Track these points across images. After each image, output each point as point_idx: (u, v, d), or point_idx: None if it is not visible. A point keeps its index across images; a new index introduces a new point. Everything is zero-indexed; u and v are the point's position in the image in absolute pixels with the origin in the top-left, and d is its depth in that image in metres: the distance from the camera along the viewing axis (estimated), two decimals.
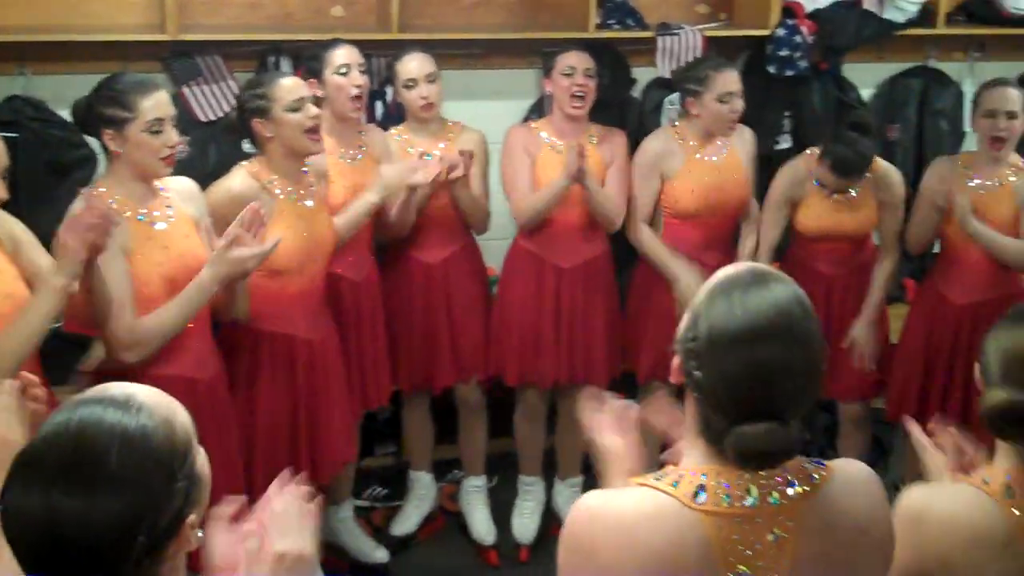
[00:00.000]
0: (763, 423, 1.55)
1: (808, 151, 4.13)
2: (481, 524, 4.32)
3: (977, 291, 3.96)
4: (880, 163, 4.07)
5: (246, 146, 4.00)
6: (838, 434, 4.44)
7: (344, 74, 3.72)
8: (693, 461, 1.66)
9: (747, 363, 1.57)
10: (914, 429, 2.25)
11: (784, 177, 4.11)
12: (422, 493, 4.37)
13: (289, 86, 3.33)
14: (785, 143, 4.93)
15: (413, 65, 3.92)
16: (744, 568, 1.60)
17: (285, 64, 4.27)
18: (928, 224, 4.07)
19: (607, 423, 1.98)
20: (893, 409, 4.19)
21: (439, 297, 4.08)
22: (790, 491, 1.62)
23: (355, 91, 3.73)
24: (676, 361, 1.67)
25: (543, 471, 4.40)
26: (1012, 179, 3.93)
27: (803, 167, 4.08)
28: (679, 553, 1.58)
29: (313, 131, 3.35)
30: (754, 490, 1.61)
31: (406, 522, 4.33)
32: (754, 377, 1.57)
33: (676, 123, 4.16)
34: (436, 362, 4.11)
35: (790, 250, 4.23)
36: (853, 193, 4.01)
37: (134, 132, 2.90)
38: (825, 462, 1.70)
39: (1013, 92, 3.89)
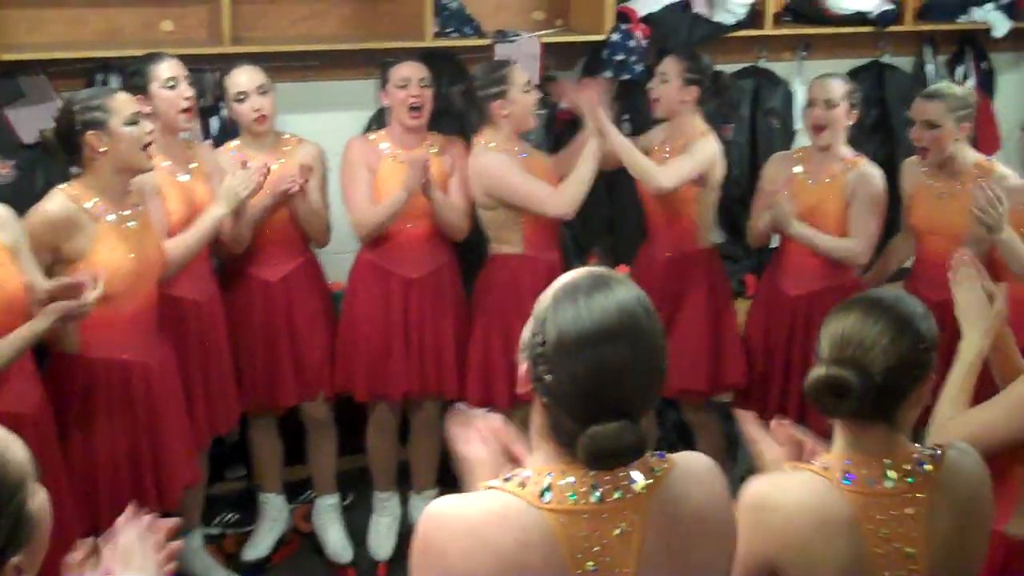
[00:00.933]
0: (613, 422, 1.59)
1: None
2: (336, 543, 4.27)
3: (810, 283, 4.08)
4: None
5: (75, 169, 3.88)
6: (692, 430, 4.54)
7: (172, 87, 3.64)
8: (539, 462, 1.69)
9: (595, 364, 1.60)
10: (747, 424, 2.31)
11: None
12: (274, 516, 4.29)
13: (126, 99, 3.27)
14: None
15: (243, 78, 3.85)
16: (592, 564, 1.64)
17: (114, 81, 4.13)
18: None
19: (471, 435, 1.97)
20: (738, 401, 4.31)
21: (280, 315, 4.02)
22: (634, 486, 1.67)
23: (184, 104, 3.65)
24: (523, 368, 1.69)
25: (398, 485, 4.38)
26: (843, 173, 4.04)
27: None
28: (527, 552, 1.61)
29: (147, 147, 3.28)
30: (599, 486, 1.65)
31: (259, 546, 4.25)
32: (603, 377, 1.61)
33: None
34: (278, 381, 4.04)
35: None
36: None
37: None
38: (666, 455, 1.74)
39: (834, 82, 4.02)
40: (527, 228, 4.04)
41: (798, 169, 4.12)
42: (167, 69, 3.65)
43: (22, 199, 3.50)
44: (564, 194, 3.92)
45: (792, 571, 1.93)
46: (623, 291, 1.66)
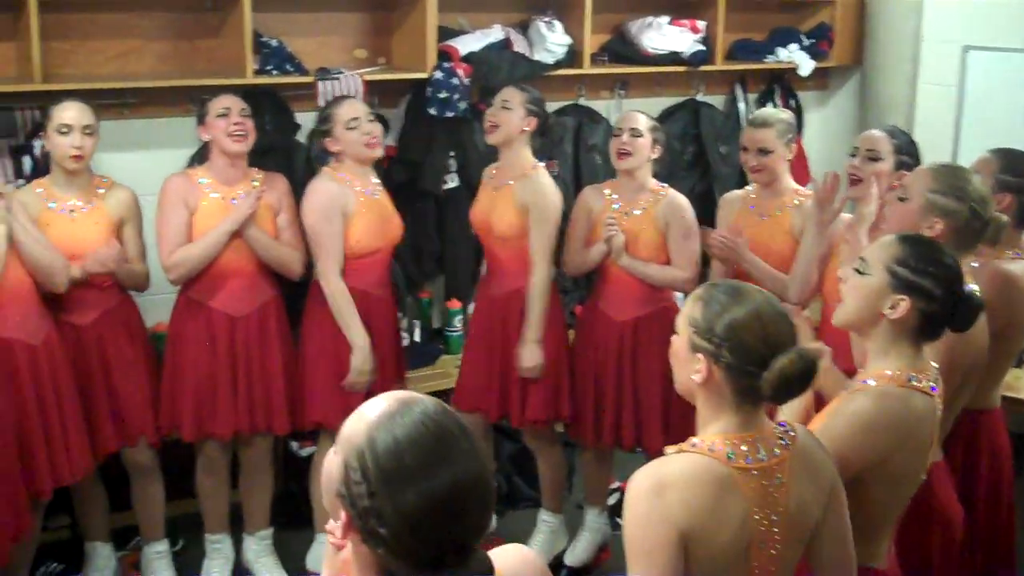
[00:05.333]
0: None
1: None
2: None
3: (633, 308, 4.19)
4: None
5: None
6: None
7: None
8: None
9: (441, 532, 1.54)
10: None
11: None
12: (101, 564, 4.13)
13: None
14: (453, 182, 5.06)
15: (71, 112, 3.75)
16: None
17: None
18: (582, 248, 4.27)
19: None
20: (571, 428, 4.38)
21: (93, 359, 3.89)
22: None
23: None
24: (344, 518, 1.56)
25: (230, 527, 4.26)
26: (654, 204, 4.16)
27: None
28: None
29: None
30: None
31: None
32: (443, 506, 1.53)
33: (331, 165, 4.11)
34: (96, 428, 3.90)
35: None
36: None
37: None
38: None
39: (638, 114, 4.18)
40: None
41: (610, 198, 4.22)
42: None
43: None
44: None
45: (703, 537, 2.04)
46: (421, 407, 1.60)
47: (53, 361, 3.70)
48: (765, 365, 2.05)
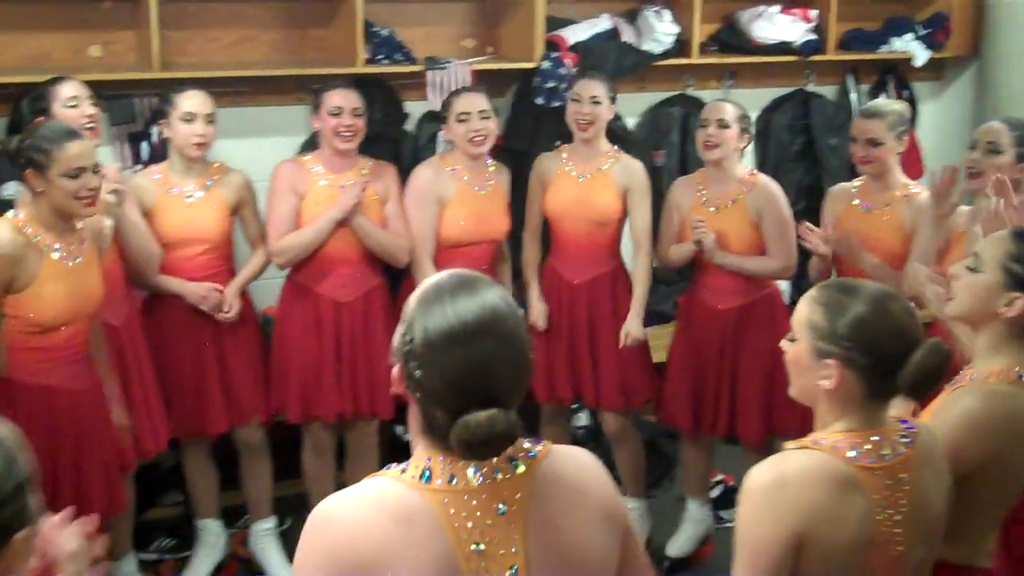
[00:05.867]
0: (484, 411, 1.62)
1: None
2: (276, 567, 4.22)
3: (732, 298, 4.17)
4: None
5: (6, 192, 3.85)
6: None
7: (73, 106, 3.66)
8: (418, 452, 1.73)
9: (463, 360, 1.65)
10: None
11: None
12: (211, 541, 4.23)
13: (77, 152, 3.17)
14: None
15: (195, 101, 3.85)
16: (477, 544, 1.67)
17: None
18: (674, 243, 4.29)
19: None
20: (664, 416, 4.41)
21: (208, 341, 4.00)
22: (514, 464, 1.72)
23: (84, 121, 3.63)
24: (396, 369, 1.73)
25: None
26: (743, 194, 4.15)
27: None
28: (409, 529, 1.65)
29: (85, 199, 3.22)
30: (478, 468, 1.70)
31: (197, 572, 4.18)
32: (471, 372, 1.65)
33: (442, 154, 4.25)
34: (208, 408, 4.01)
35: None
36: None
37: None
38: (542, 441, 1.80)
39: (725, 104, 4.16)
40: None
41: (699, 188, 4.23)
42: (68, 89, 3.69)
43: None
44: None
45: (820, 536, 2.00)
46: (486, 291, 1.71)
47: (134, 340, 3.81)
48: (900, 363, 2.01)
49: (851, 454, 2.04)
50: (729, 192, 4.15)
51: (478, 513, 1.68)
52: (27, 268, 3.17)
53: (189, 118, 3.84)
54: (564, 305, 4.31)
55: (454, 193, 4.10)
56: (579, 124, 4.19)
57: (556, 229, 4.31)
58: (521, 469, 1.72)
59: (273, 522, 4.30)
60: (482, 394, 1.64)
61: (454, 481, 1.68)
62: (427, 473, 1.69)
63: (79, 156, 3.17)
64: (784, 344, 2.16)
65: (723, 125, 4.09)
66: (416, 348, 1.66)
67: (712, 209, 4.16)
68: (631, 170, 4.24)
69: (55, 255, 3.22)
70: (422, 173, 4.14)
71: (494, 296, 1.70)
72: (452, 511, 1.67)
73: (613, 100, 4.22)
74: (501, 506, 1.69)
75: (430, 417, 1.69)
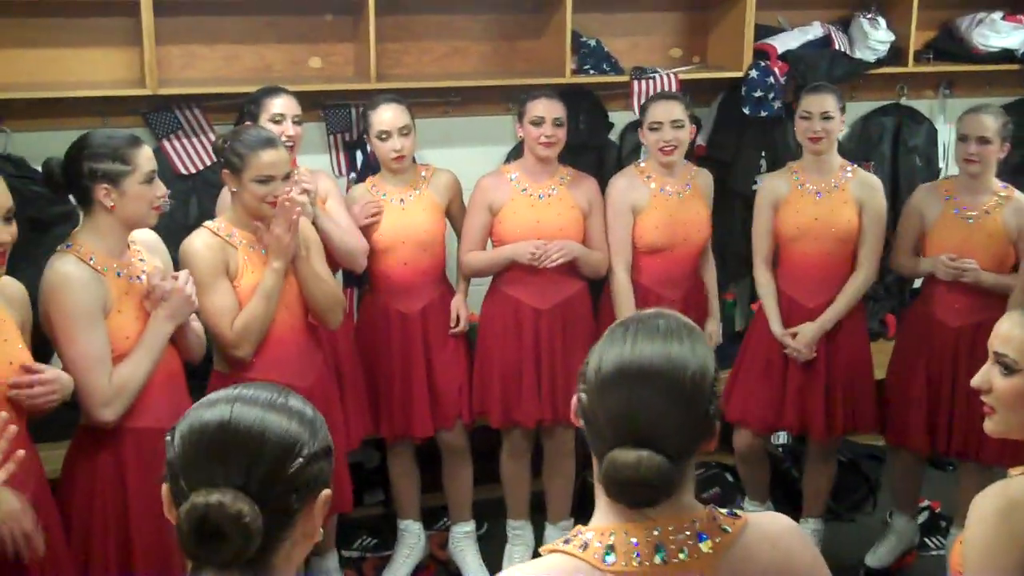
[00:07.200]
0: (634, 450, 1.55)
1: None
2: (473, 570, 4.29)
3: (968, 315, 4.04)
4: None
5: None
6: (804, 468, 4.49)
7: (278, 122, 3.78)
8: (599, 520, 1.65)
9: (624, 398, 1.59)
10: None
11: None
12: (412, 542, 4.33)
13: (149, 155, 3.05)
14: (762, 182, 4.97)
15: (387, 115, 3.96)
16: None
17: None
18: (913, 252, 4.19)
19: None
20: (894, 437, 4.29)
21: (416, 345, 4.10)
22: (701, 546, 1.61)
23: (284, 140, 3.67)
24: (575, 397, 1.68)
25: (532, 515, 4.38)
26: (998, 207, 4.03)
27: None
28: None
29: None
30: (663, 547, 1.59)
31: (397, 572, 4.29)
32: (629, 412, 1.58)
33: (641, 163, 4.24)
34: (414, 411, 4.12)
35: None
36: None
37: (132, 185, 2.93)
38: (739, 512, 1.69)
39: (986, 118, 3.99)
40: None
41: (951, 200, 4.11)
42: (278, 105, 3.81)
43: (176, 229, 3.67)
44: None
45: None
46: (677, 341, 1.63)
47: (346, 341, 3.99)
48: None
49: None
50: (980, 203, 4.04)
51: None
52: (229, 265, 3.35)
53: (384, 136, 3.95)
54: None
55: (647, 201, 4.11)
56: (811, 140, 4.06)
57: (788, 250, 4.20)
58: (708, 547, 1.61)
59: (472, 525, 4.37)
60: (636, 435, 1.57)
61: (637, 559, 1.58)
62: (610, 551, 1.60)
63: (272, 164, 3.30)
64: (995, 379, 2.08)
65: (984, 141, 3.97)
66: (589, 375, 1.64)
67: (964, 219, 4.06)
68: (868, 185, 4.12)
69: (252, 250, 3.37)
70: (616, 183, 4.18)
71: (682, 349, 1.62)
72: None
73: (843, 110, 4.08)
74: None
75: (595, 452, 1.64)
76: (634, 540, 1.59)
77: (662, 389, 1.58)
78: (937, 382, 4.12)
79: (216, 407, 1.50)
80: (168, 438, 1.50)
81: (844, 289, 4.10)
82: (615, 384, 1.60)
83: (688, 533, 1.60)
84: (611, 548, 1.59)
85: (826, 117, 4.02)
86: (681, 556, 1.59)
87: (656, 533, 1.59)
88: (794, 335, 4.11)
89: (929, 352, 4.14)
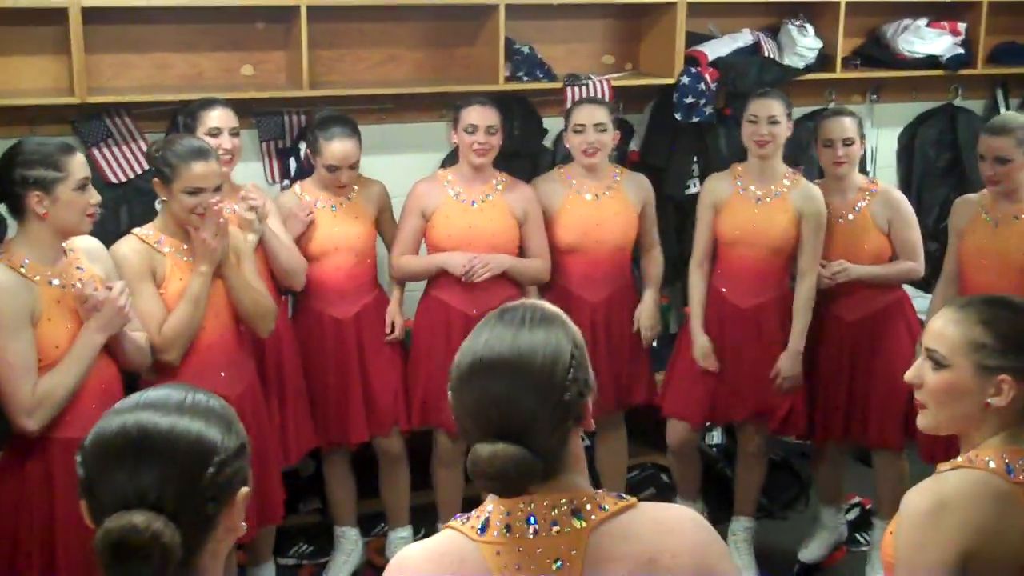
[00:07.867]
0: (491, 443, 1.58)
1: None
2: None
3: (862, 307, 4.19)
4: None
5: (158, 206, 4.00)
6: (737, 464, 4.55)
7: (214, 135, 3.75)
8: (487, 500, 1.70)
9: (478, 393, 1.62)
10: None
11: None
12: (349, 548, 4.33)
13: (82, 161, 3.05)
14: (695, 188, 5.02)
15: (339, 148, 3.95)
16: None
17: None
18: None
19: None
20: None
21: (351, 351, 4.10)
22: (574, 521, 1.64)
23: (221, 153, 3.65)
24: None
25: None
26: (867, 204, 4.15)
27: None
28: None
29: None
30: (535, 520, 1.63)
31: None
32: (484, 405, 1.62)
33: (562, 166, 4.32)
34: (350, 417, 4.11)
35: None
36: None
37: (64, 192, 2.91)
38: (631, 498, 1.69)
39: (846, 120, 4.13)
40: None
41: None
42: (215, 119, 3.79)
43: (106, 237, 3.64)
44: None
45: (984, 556, 1.97)
46: (527, 333, 1.65)
47: (289, 348, 3.97)
48: None
49: (1010, 471, 2.01)
50: (850, 202, 4.17)
51: (533, 566, 1.61)
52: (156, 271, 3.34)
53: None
54: (726, 331, 4.25)
55: (561, 202, 4.20)
56: (757, 143, 4.11)
57: (727, 252, 4.25)
58: (580, 524, 1.63)
59: (409, 531, 4.37)
60: (493, 427, 1.60)
61: (510, 531, 1.63)
62: (485, 523, 1.65)
63: (202, 177, 3.30)
64: (927, 375, 2.10)
65: (849, 143, 4.10)
66: (452, 373, 1.67)
67: (837, 219, 4.17)
68: (809, 196, 4.13)
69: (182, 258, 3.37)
70: (536, 185, 4.26)
71: (532, 338, 1.64)
72: (504, 563, 1.62)
73: (790, 116, 4.14)
74: (558, 562, 1.62)
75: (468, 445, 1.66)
76: (506, 513, 1.64)
77: (511, 380, 1.61)
78: (835, 374, 4.24)
79: (121, 415, 1.45)
80: (78, 457, 1.45)
81: (795, 306, 4.14)
82: (469, 379, 1.64)
83: (564, 509, 1.63)
84: (487, 522, 1.65)
85: (773, 122, 4.08)
86: (554, 530, 1.63)
87: (531, 507, 1.63)
88: (776, 375, 4.16)
89: (826, 346, 4.24)
